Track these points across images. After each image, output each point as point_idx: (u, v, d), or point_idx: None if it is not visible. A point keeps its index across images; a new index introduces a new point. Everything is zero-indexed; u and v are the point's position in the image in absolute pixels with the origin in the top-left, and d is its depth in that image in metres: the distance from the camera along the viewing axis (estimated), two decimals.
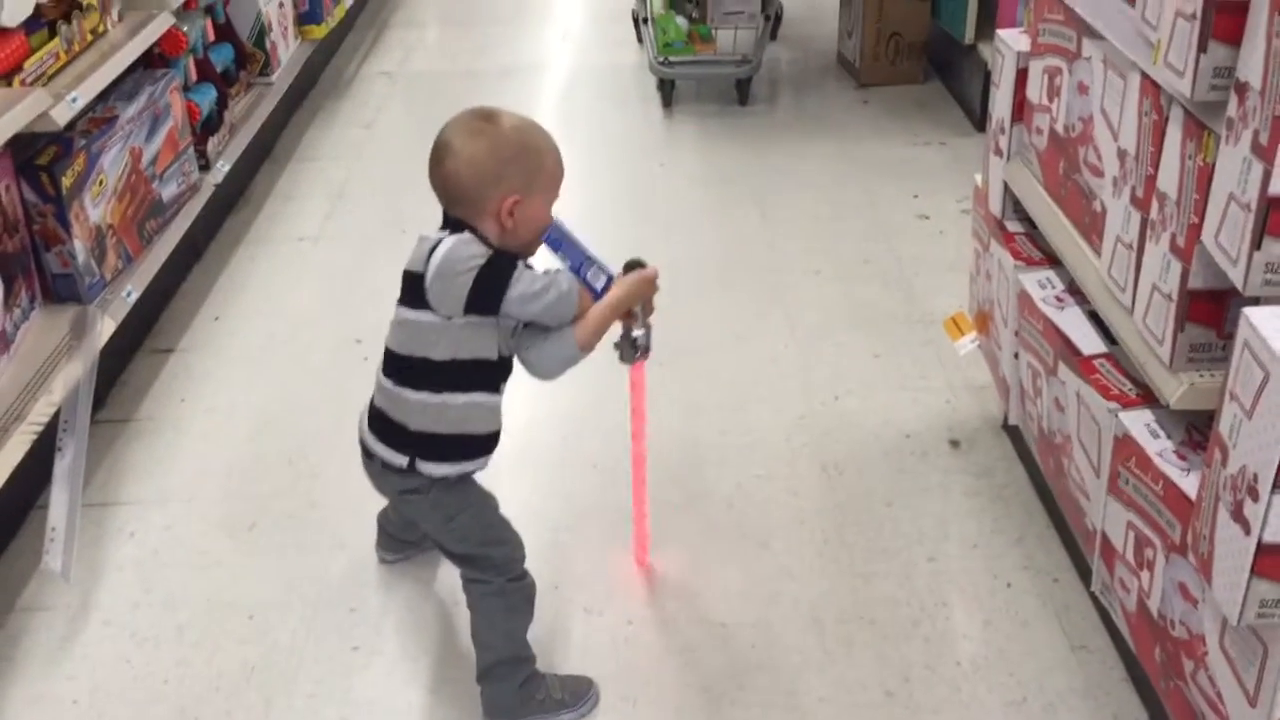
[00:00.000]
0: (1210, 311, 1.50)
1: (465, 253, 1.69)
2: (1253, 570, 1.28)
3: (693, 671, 2.00)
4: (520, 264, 1.73)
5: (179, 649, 2.07)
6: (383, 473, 1.83)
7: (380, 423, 1.82)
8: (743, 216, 3.56)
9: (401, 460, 1.79)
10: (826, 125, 4.15)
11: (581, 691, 1.91)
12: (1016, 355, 2.12)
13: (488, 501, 1.89)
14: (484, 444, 1.83)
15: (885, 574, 2.20)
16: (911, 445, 2.53)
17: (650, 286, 1.83)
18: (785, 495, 2.40)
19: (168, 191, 2.96)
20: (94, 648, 2.07)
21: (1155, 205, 1.57)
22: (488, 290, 1.68)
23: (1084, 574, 2.10)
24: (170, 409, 2.73)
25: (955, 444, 2.53)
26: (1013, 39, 2.15)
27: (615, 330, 1.88)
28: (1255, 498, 1.25)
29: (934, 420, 2.61)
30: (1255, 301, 1.31)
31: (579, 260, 1.79)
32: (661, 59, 4.22)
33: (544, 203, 1.75)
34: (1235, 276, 1.34)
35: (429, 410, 1.76)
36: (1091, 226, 1.82)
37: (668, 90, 4.31)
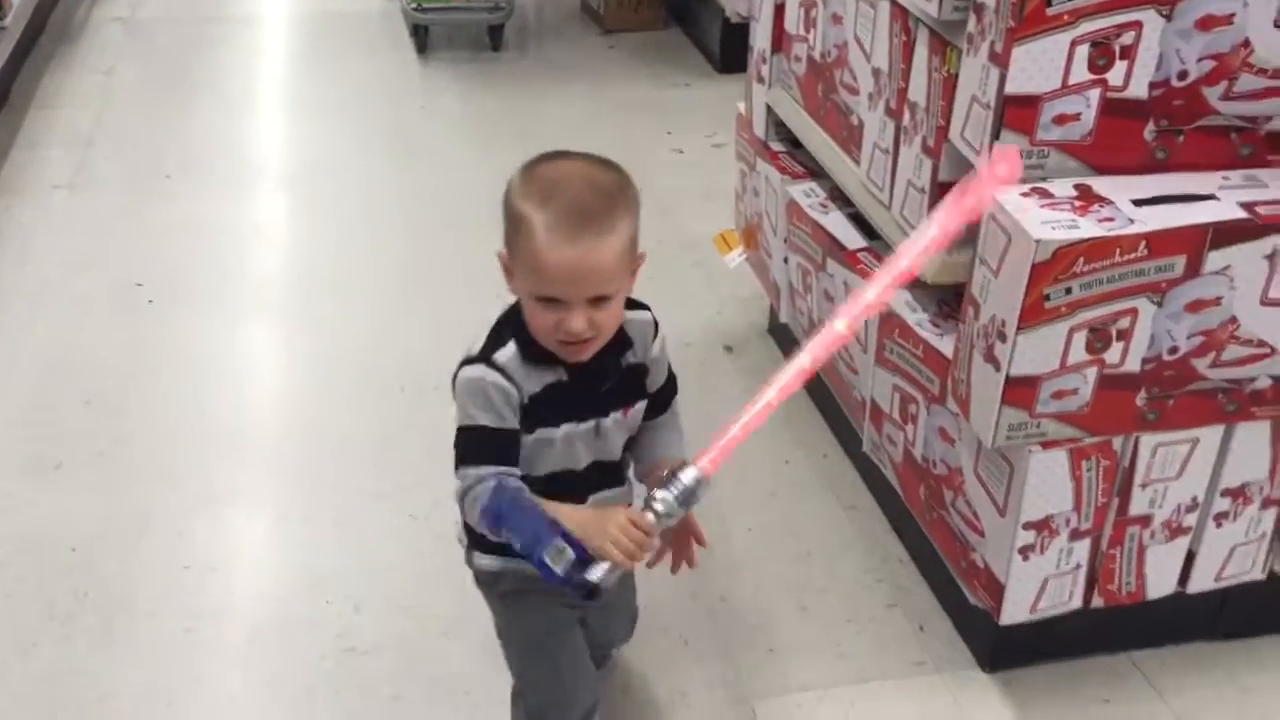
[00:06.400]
0: None
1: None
2: (1003, 400, 1.58)
3: None
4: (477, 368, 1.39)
5: (3, 585, 2.06)
6: None
7: None
8: (506, 155, 3.57)
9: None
10: (577, 70, 4.35)
11: None
12: (786, 260, 2.40)
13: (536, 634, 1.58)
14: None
15: None
16: (690, 353, 2.78)
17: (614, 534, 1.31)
18: None
19: None
20: None
21: (907, 114, 1.86)
22: None
23: (848, 448, 2.42)
24: None
25: (729, 349, 2.81)
26: None
27: None
28: (1003, 339, 1.55)
29: (708, 330, 2.88)
30: None
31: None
32: (415, 5, 4.29)
33: (523, 280, 1.35)
34: (980, 165, 1.63)
35: None
36: (850, 138, 2.11)
37: (421, 36, 4.38)
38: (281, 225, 3.33)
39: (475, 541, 1.52)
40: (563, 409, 1.41)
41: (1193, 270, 1.52)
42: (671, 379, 1.56)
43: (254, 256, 3.14)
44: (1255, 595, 1.91)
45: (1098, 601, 1.79)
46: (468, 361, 1.39)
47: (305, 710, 1.87)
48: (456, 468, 1.40)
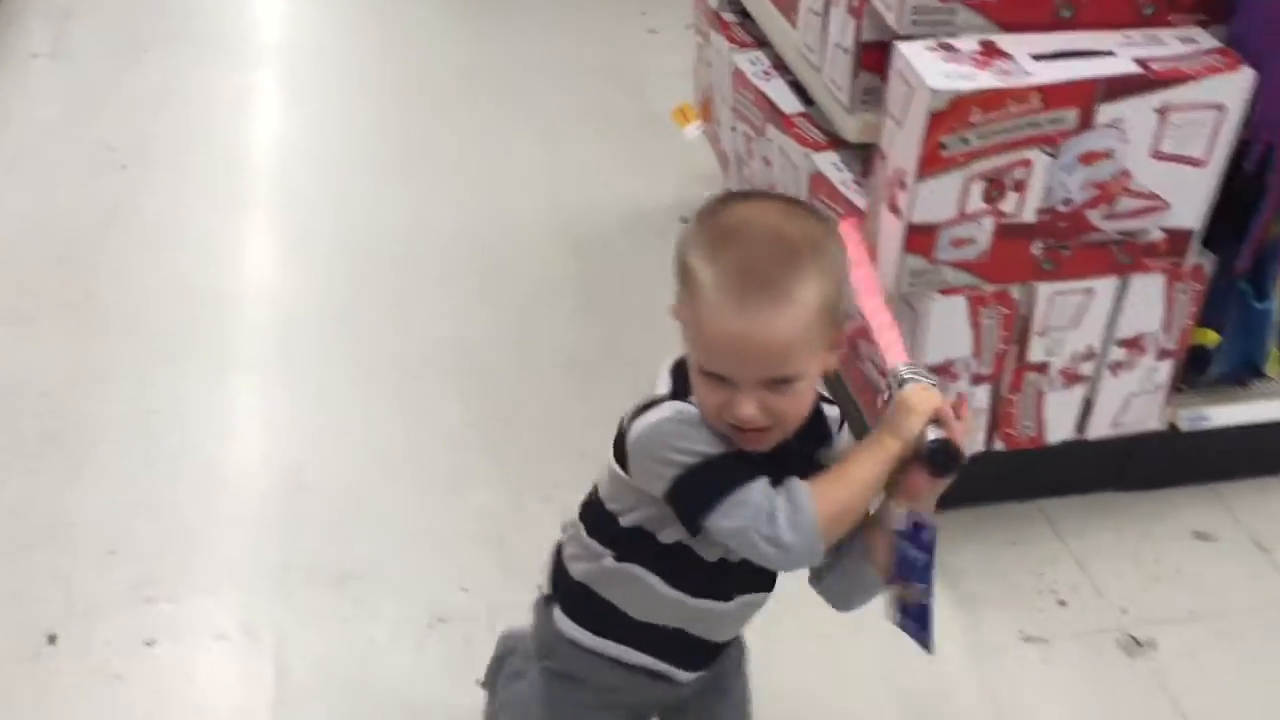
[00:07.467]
0: (876, 59, 1.84)
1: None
2: (904, 246, 1.66)
3: (466, 403, 2.29)
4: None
5: None
6: None
7: None
8: (478, 31, 3.73)
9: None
10: None
11: None
12: (733, 128, 2.46)
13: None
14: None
15: (632, 325, 2.53)
16: (648, 224, 2.86)
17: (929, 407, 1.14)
18: (542, 268, 2.70)
19: None
20: None
21: None
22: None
23: None
24: None
25: (684, 220, 2.86)
26: None
27: None
28: (904, 188, 1.63)
29: (667, 203, 2.94)
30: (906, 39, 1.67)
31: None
32: None
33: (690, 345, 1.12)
34: (891, 20, 1.69)
35: None
36: (790, 5, 2.15)
37: None
38: (258, 98, 3.38)
39: (566, 602, 1.28)
40: None
41: (1085, 123, 1.59)
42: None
43: (228, 127, 3.20)
44: (1158, 448, 2.01)
45: (999, 445, 1.89)
46: (652, 404, 1.14)
47: (254, 537, 1.99)
48: (708, 513, 1.08)
